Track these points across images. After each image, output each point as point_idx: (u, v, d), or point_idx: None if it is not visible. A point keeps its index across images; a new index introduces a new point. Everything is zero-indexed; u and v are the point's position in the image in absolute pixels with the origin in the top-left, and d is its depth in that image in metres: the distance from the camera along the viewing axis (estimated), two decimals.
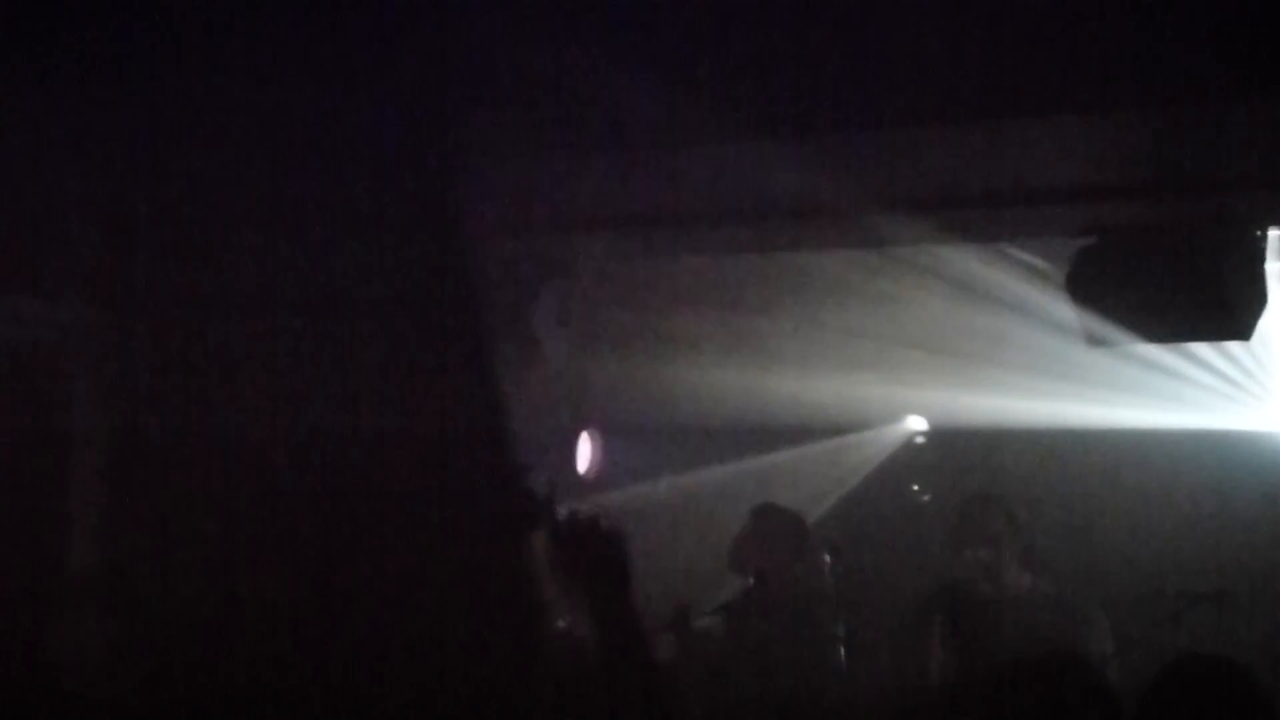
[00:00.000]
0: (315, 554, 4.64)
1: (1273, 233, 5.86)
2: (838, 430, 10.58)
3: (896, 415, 10.72)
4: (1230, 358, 8.19)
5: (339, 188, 5.07)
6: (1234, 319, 5.77)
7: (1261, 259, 5.80)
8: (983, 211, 5.74)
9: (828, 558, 8.08)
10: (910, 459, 10.50)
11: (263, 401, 5.32)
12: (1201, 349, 7.80)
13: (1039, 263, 6.72)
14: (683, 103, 4.82)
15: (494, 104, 4.91)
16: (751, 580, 7.80)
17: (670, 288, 7.65)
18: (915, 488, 10.13)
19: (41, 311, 6.02)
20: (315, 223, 5.25)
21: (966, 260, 6.98)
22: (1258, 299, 5.80)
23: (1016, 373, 9.06)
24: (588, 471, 9.33)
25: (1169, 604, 6.54)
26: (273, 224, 5.47)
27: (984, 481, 8.75)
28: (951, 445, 10.04)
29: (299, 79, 5.01)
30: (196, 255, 5.37)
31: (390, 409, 4.93)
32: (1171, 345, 6.61)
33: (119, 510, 5.81)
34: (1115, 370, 8.34)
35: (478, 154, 5.13)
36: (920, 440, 10.71)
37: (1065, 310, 6.13)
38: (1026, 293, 6.97)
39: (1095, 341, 6.19)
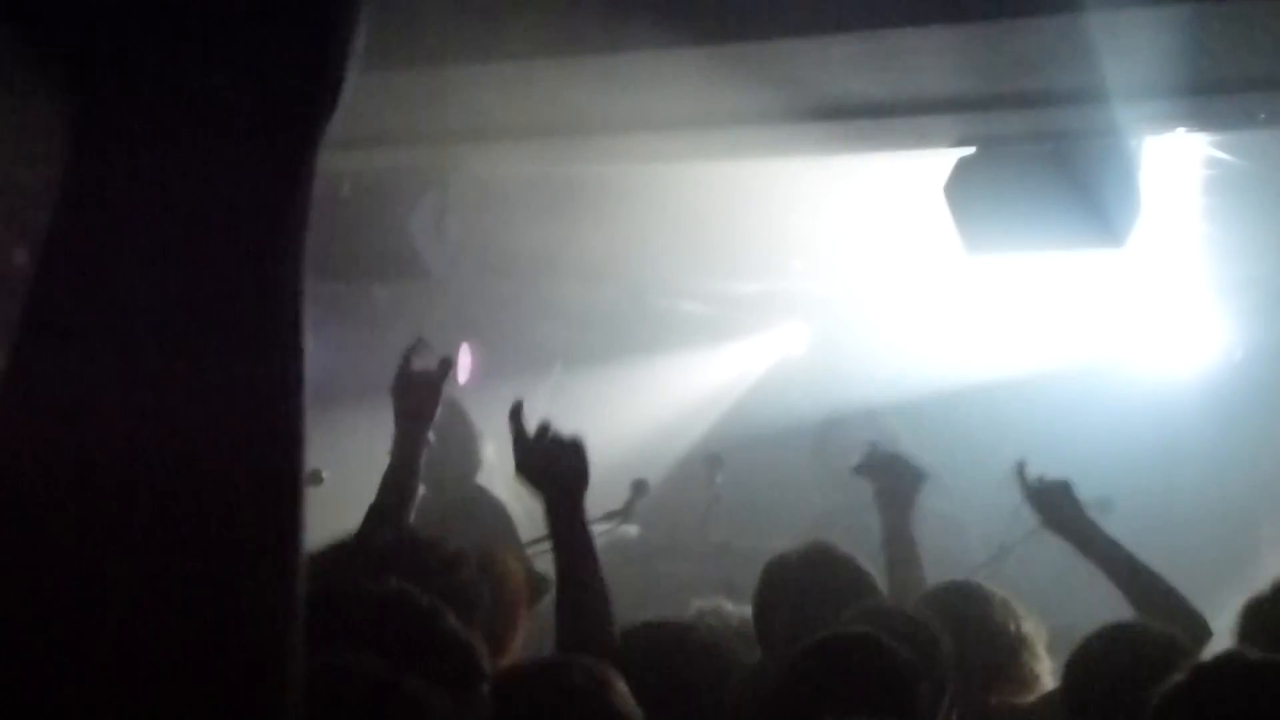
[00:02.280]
0: None
1: (1148, 141, 5.90)
2: (720, 338, 10.60)
3: (779, 324, 10.75)
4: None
5: None
6: (1109, 229, 5.81)
7: (1137, 169, 5.84)
8: (863, 122, 5.71)
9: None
10: (791, 369, 10.53)
11: None
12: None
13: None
14: (561, 12, 4.74)
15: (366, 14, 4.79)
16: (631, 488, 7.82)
17: (546, 200, 7.58)
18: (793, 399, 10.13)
19: None
20: None
21: (852, 169, 6.97)
22: (1132, 209, 5.85)
23: (898, 283, 9.10)
24: (467, 382, 9.30)
25: None
26: None
27: (864, 393, 8.79)
28: (833, 356, 10.08)
29: None
30: None
31: None
32: (1049, 255, 6.65)
33: None
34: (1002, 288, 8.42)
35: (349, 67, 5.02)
36: (802, 350, 10.75)
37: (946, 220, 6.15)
38: (913, 202, 6.98)
39: (973, 250, 6.22)
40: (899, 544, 5.63)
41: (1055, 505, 5.31)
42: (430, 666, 2.59)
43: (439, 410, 4.78)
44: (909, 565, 5.50)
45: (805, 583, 4.46)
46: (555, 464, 4.13)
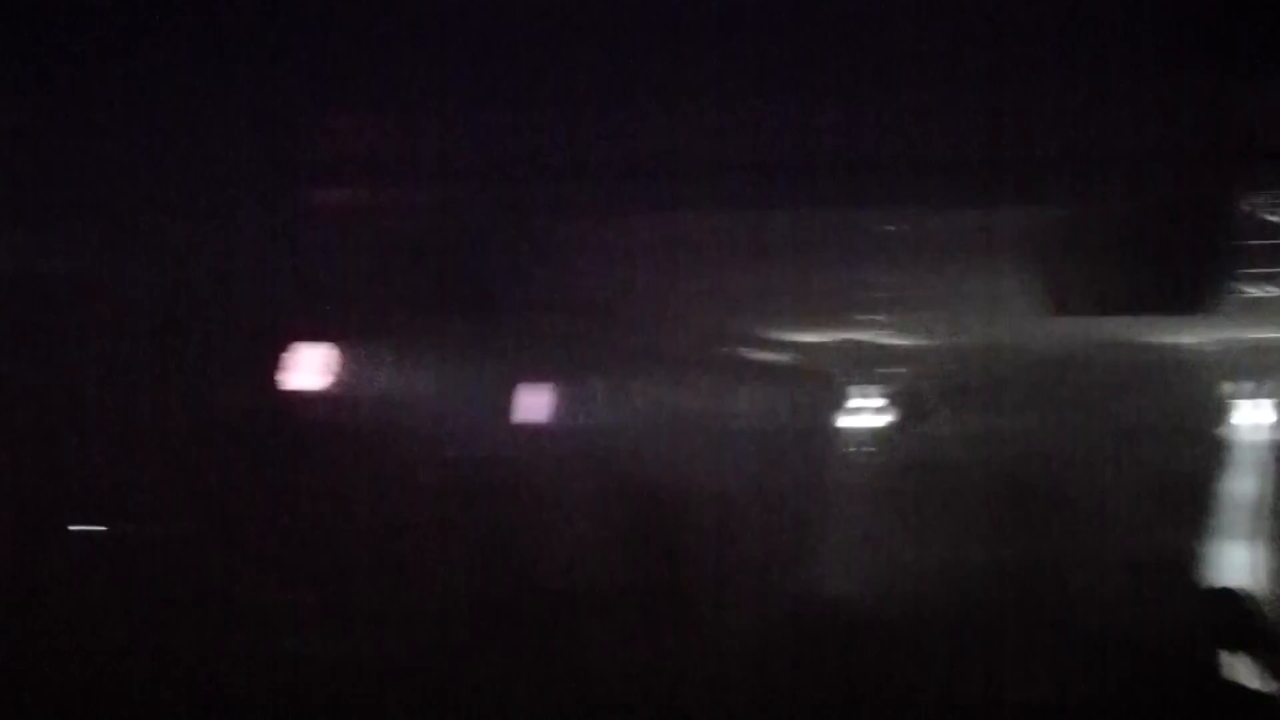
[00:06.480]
0: None
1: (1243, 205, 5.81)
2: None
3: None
4: None
5: None
6: (1195, 295, 5.74)
7: (1228, 233, 5.75)
8: (957, 177, 5.67)
9: None
10: None
11: None
12: None
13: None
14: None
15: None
16: None
17: None
18: None
19: None
20: None
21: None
22: (1221, 275, 5.77)
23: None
24: None
25: None
26: None
27: None
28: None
29: None
30: None
31: None
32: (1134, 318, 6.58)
33: None
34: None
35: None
36: None
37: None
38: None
39: (1059, 310, 6.14)
40: None
41: None
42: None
43: None
44: None
45: None
46: None
